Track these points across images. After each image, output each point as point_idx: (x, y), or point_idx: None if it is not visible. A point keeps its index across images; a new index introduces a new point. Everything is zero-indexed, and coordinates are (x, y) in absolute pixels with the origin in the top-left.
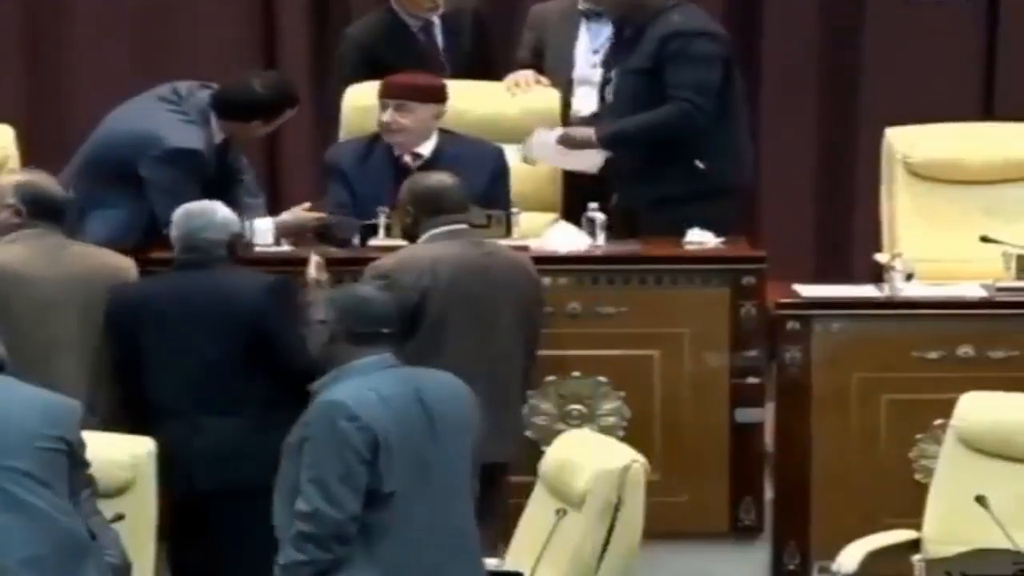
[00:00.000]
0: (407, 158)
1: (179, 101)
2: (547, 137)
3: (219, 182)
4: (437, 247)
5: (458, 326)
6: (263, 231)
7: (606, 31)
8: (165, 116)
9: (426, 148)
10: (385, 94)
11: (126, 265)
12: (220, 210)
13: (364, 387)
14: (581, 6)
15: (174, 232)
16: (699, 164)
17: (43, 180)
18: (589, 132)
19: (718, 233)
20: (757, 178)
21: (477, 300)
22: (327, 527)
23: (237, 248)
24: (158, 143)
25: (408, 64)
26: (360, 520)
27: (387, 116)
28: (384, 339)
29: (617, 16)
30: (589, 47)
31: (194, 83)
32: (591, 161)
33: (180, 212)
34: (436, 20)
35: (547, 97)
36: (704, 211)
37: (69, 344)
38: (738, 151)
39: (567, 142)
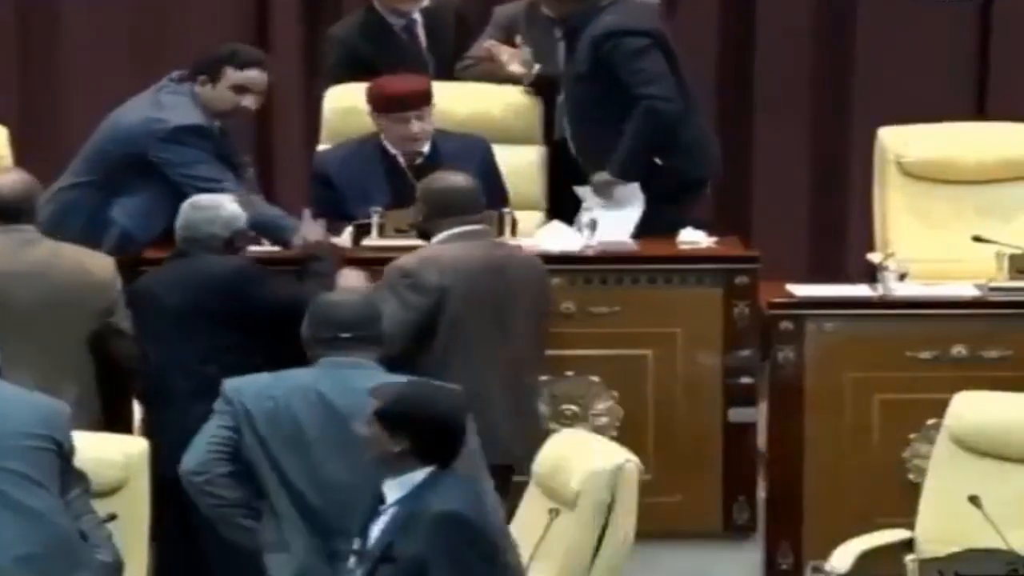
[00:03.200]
0: (402, 158)
1: (174, 84)
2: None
3: None
4: (457, 247)
5: (477, 327)
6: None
7: None
8: (163, 99)
9: (425, 146)
10: (404, 107)
11: (97, 265)
12: (228, 205)
13: (267, 378)
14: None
15: (178, 221)
16: (657, 161)
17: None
18: (606, 175)
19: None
20: (750, 177)
21: (495, 300)
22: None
23: (236, 244)
24: (161, 124)
25: (391, 63)
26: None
27: (416, 128)
28: (344, 343)
29: (559, 15)
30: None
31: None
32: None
33: (187, 203)
34: (418, 18)
35: (529, 97)
36: (671, 208)
37: (24, 342)
38: (697, 145)
39: (601, 191)
